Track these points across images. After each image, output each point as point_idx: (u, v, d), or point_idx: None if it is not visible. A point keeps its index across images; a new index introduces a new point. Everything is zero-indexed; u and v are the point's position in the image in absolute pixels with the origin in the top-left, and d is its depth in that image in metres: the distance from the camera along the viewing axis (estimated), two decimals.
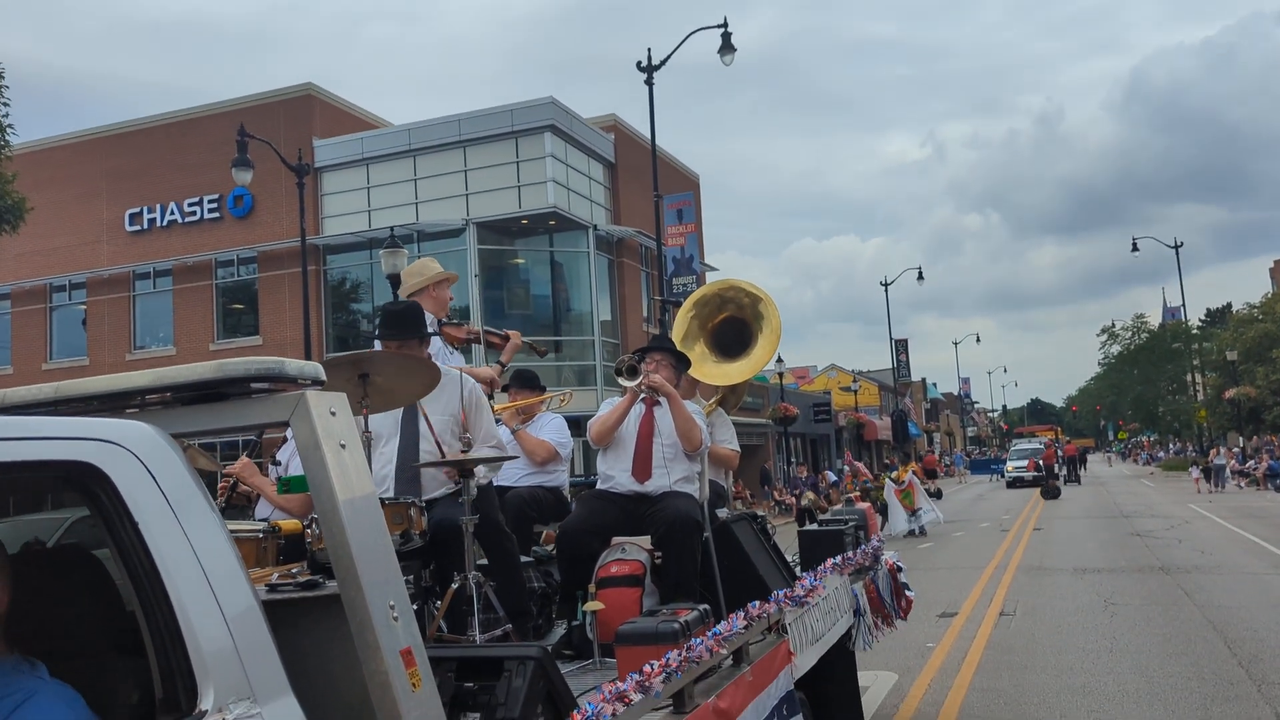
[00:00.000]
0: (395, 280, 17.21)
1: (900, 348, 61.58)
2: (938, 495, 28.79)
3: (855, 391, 56.73)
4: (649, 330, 28.83)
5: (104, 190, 30.99)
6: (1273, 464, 32.98)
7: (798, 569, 5.40)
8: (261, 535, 4.21)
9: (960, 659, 8.40)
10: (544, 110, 27.51)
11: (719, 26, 20.64)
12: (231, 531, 2.19)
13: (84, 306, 31.60)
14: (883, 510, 19.64)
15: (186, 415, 2.23)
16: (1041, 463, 39.09)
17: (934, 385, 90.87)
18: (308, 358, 2.81)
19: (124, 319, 30.96)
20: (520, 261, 29.61)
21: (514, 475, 5.43)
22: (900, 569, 6.13)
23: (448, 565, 3.93)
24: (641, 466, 4.81)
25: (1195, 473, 35.97)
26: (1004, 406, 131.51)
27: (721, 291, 6.21)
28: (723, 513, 5.23)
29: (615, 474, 4.87)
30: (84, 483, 1.83)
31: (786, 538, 7.24)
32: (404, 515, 3.66)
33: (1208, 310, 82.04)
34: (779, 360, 37.19)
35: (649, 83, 20.90)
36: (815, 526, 6.32)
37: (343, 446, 2.16)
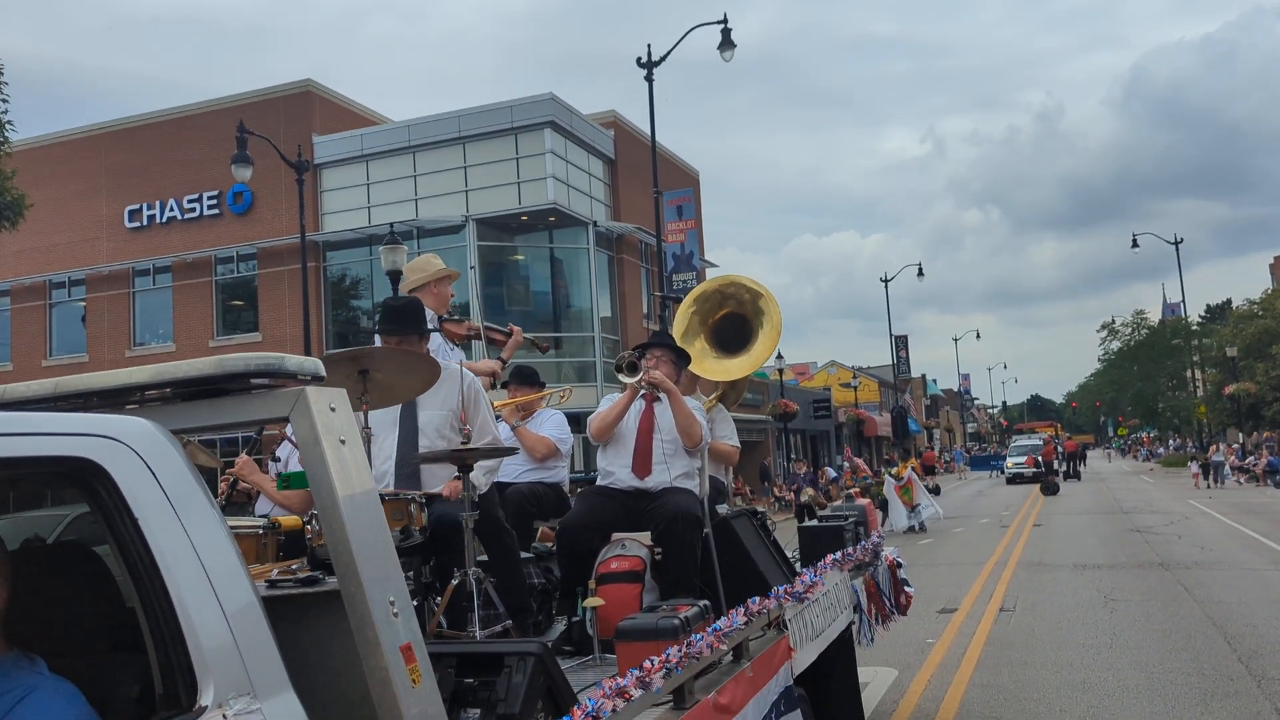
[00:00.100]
0: (395, 276, 17.22)
1: (900, 344, 61.58)
2: (936, 491, 28.82)
3: (855, 388, 56.76)
4: (649, 326, 28.83)
5: (103, 187, 30.97)
6: (1272, 460, 33.00)
7: (798, 565, 5.40)
8: (261, 531, 4.21)
9: (960, 655, 8.40)
10: (544, 106, 27.49)
11: (719, 23, 20.63)
12: (231, 528, 2.19)
13: (84, 303, 31.60)
14: (883, 506, 19.67)
15: (186, 411, 2.23)
16: (1041, 459, 39.12)
17: (934, 381, 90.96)
18: (307, 354, 2.81)
19: (124, 315, 30.97)
20: (520, 258, 29.60)
21: (514, 471, 5.43)
22: (900, 565, 6.13)
23: (448, 561, 3.92)
24: (641, 462, 4.81)
25: (1194, 468, 36.01)
26: (1004, 403, 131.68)
27: (722, 287, 6.20)
28: (723, 509, 5.23)
29: (615, 470, 4.87)
30: (83, 478, 1.83)
31: (786, 534, 7.24)
32: (404, 511, 3.66)
33: (1208, 306, 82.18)
34: (779, 356, 37.20)
35: (649, 79, 20.88)
36: (815, 522, 6.31)
37: (342, 442, 2.15)
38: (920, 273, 48.45)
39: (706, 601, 3.75)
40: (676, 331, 6.04)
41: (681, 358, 5.24)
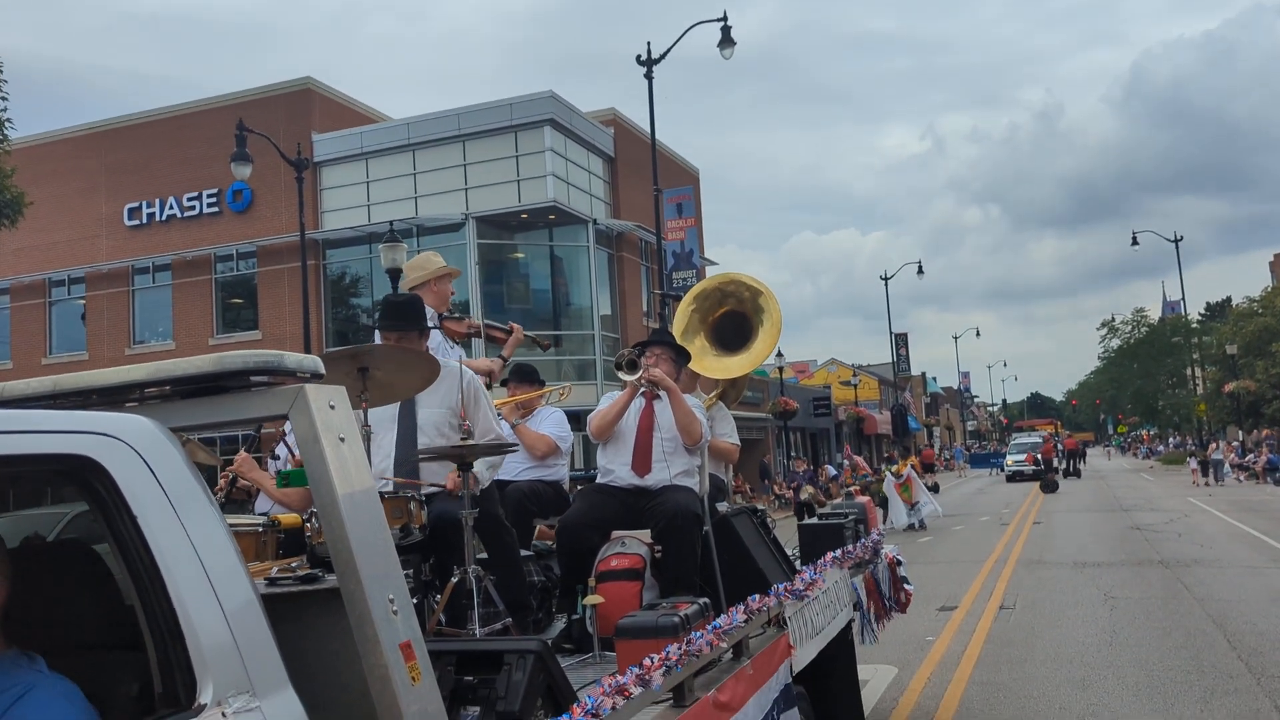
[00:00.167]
0: (395, 274, 17.21)
1: (900, 342, 61.55)
2: (935, 489, 28.82)
3: (855, 386, 56.76)
4: (649, 324, 28.80)
5: (103, 185, 30.96)
6: (1272, 457, 33.01)
7: (797, 563, 5.40)
8: (261, 529, 4.21)
9: (960, 652, 8.40)
10: (543, 104, 27.47)
11: (719, 20, 20.61)
12: (231, 526, 2.19)
13: (83, 301, 31.59)
14: (882, 504, 19.69)
15: (185, 409, 2.23)
16: (1041, 457, 39.12)
17: (934, 379, 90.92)
18: (307, 352, 2.81)
19: (123, 314, 30.96)
20: (520, 256, 29.58)
21: (514, 469, 5.43)
22: (900, 562, 6.13)
23: (448, 559, 3.92)
24: (641, 460, 4.81)
25: (1193, 464, 36.03)
26: (1004, 400, 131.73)
27: (722, 285, 6.20)
28: (723, 506, 5.22)
29: (615, 468, 4.87)
30: (83, 476, 1.83)
31: (786, 532, 7.24)
32: (403, 509, 3.66)
33: (1207, 304, 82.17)
34: (779, 354, 37.19)
35: (649, 77, 20.85)
36: (815, 520, 6.31)
37: (342, 440, 2.15)
38: (920, 270, 48.45)
39: (706, 599, 3.74)
40: (676, 329, 6.04)
41: (681, 355, 5.24)
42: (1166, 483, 35.23)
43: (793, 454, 43.17)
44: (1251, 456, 36.59)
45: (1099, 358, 73.13)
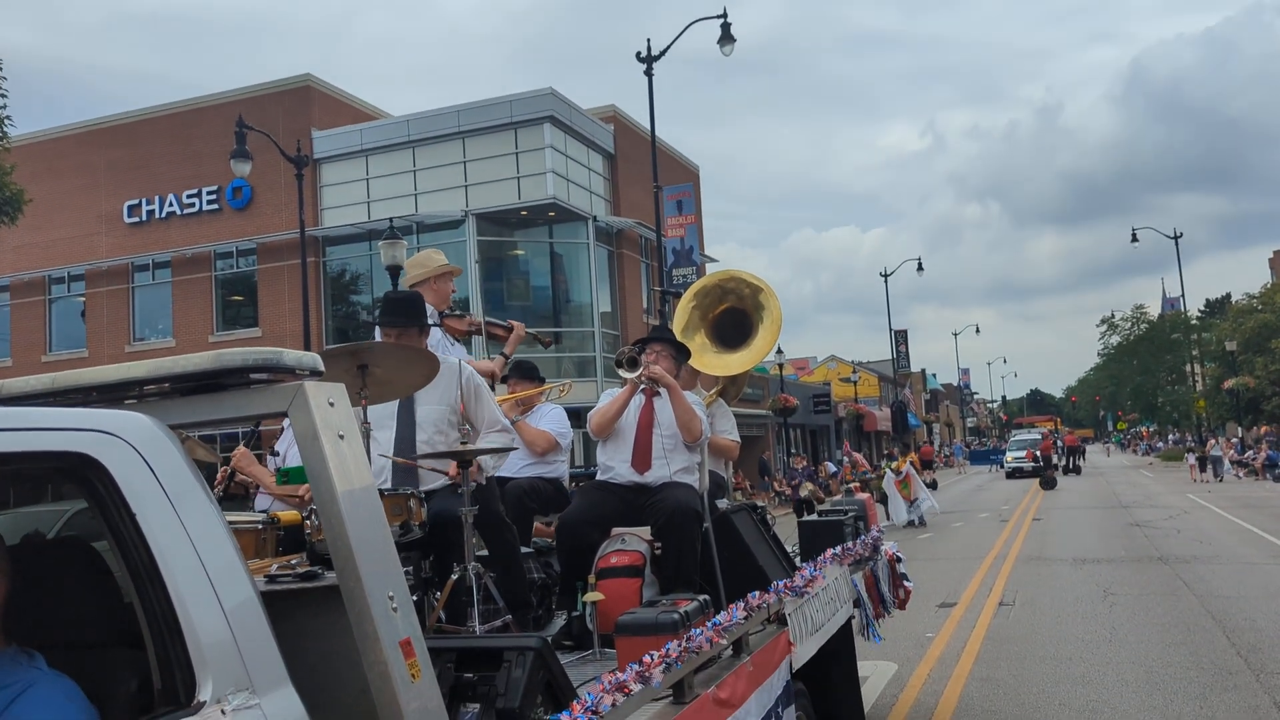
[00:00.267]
0: (394, 271, 17.19)
1: (900, 339, 61.58)
2: (933, 486, 28.85)
3: (855, 382, 56.72)
4: (649, 321, 28.80)
5: (103, 182, 30.94)
6: (1271, 454, 33.03)
7: (797, 559, 5.40)
8: (260, 526, 4.21)
9: (960, 649, 8.41)
10: (543, 101, 27.45)
11: (719, 17, 20.57)
12: (230, 523, 2.19)
13: (83, 298, 31.58)
14: (882, 501, 19.72)
15: (184, 406, 2.23)
16: (1040, 453, 39.13)
17: (934, 376, 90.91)
18: (307, 349, 2.80)
19: (123, 311, 30.95)
20: (520, 253, 29.57)
21: (514, 466, 5.42)
22: (900, 559, 6.12)
23: (447, 556, 3.92)
24: (641, 457, 4.81)
25: (1191, 459, 36.05)
26: (1003, 397, 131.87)
27: (722, 282, 6.20)
28: (722, 503, 5.22)
29: (615, 465, 4.87)
30: (82, 474, 1.83)
31: (786, 528, 7.24)
32: (403, 506, 3.66)
33: (1207, 300, 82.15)
34: (779, 351, 37.17)
35: (649, 74, 20.83)
36: (815, 517, 6.31)
37: (341, 437, 2.15)
38: (920, 267, 48.42)
39: (706, 596, 3.74)
40: (676, 326, 6.04)
41: (681, 353, 5.24)
42: (1166, 479, 35.25)
43: (792, 451, 43.19)
44: (1251, 453, 36.62)
45: (1098, 354, 73.14)
